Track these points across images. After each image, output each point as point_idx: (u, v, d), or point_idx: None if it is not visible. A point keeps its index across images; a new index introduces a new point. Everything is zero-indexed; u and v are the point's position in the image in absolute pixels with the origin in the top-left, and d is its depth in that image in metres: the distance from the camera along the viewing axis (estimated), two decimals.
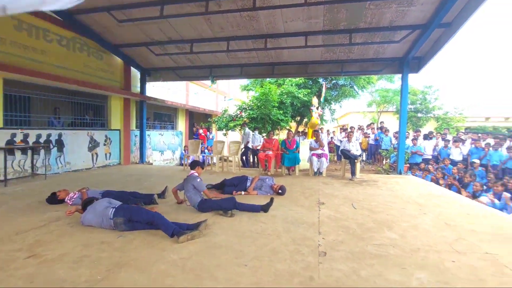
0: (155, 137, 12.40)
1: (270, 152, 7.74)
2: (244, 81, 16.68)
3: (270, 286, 2.18)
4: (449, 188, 6.95)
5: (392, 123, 15.05)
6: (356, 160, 7.22)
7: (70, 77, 7.40)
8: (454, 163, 8.86)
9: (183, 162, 10.29)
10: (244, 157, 10.34)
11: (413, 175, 8.48)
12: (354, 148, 7.52)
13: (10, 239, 3.01)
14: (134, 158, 10.56)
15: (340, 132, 13.15)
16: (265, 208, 4.08)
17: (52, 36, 7.20)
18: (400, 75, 8.47)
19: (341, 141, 10.23)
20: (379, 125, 12.69)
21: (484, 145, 8.98)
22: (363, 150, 12.36)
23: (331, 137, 13.44)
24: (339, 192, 5.57)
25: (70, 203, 4.25)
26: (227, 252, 2.74)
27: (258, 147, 9.39)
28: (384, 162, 10.88)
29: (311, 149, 7.77)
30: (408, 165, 9.48)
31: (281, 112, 12.23)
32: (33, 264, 2.47)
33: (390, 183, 6.68)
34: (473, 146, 9.25)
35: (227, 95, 20.42)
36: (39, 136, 7.04)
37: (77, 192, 4.40)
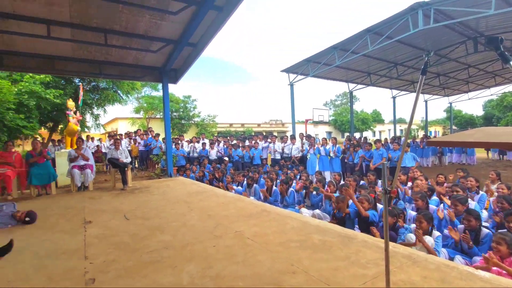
0: None
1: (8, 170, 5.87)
2: None
3: None
4: (210, 183, 8.22)
5: (161, 129, 15.82)
6: (126, 168, 6.95)
7: None
8: (210, 161, 10.63)
9: None
10: None
11: (181, 176, 9.30)
12: (123, 155, 7.22)
13: None
14: None
15: (109, 140, 12.19)
16: None
17: None
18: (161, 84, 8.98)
19: (109, 149, 9.51)
20: (148, 131, 12.95)
21: (228, 145, 11.49)
22: (134, 157, 12.15)
23: (97, 146, 12.18)
24: (109, 206, 5.13)
25: None
26: None
27: None
28: (156, 167, 11.21)
29: (71, 160, 6.63)
30: (176, 167, 10.32)
31: (22, 116, 9.59)
32: None
33: (162, 186, 6.97)
34: (225, 146, 11.60)
35: None
36: None
37: None
